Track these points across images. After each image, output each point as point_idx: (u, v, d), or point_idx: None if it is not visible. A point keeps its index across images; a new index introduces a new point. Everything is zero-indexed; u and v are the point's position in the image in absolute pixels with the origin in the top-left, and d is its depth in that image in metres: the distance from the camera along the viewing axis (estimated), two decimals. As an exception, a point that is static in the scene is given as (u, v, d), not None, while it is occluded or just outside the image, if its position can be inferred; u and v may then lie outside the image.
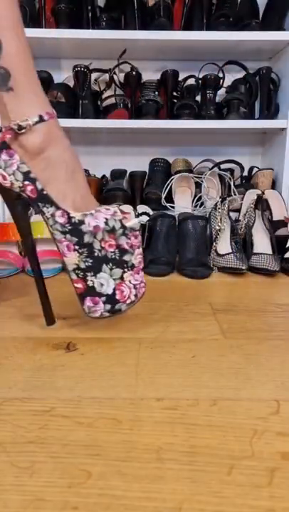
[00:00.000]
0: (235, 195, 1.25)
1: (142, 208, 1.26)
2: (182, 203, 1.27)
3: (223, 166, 1.37)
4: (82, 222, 0.56)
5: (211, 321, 0.68)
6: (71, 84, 1.32)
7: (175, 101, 1.35)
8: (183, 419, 0.42)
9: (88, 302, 0.59)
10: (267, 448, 0.38)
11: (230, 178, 1.29)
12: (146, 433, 0.40)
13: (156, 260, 0.97)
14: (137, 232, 0.60)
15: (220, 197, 1.22)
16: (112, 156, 1.50)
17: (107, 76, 1.34)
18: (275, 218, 1.15)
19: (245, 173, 1.44)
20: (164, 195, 1.27)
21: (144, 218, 0.59)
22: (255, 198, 1.09)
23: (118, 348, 0.58)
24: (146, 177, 1.43)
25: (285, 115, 1.30)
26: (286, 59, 1.30)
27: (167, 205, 1.26)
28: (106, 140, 1.50)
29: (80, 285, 0.58)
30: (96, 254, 0.57)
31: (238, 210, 1.22)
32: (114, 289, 0.59)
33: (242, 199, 1.23)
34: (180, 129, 1.32)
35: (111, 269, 0.58)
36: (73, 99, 1.30)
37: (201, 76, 1.33)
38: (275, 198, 1.21)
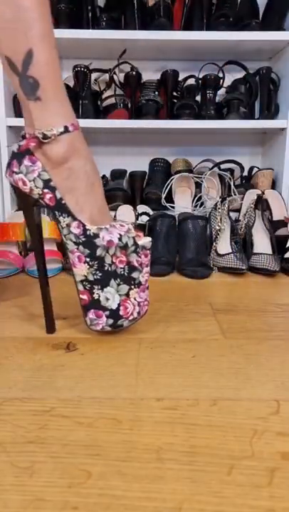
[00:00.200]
0: (235, 195, 1.25)
1: (142, 208, 1.26)
2: (182, 203, 1.27)
3: (223, 166, 1.37)
4: (96, 235, 0.56)
5: (211, 321, 0.68)
6: (71, 84, 1.32)
7: (175, 101, 1.35)
8: (183, 419, 0.42)
9: (91, 314, 0.59)
10: (267, 448, 0.38)
11: (230, 178, 1.29)
12: (146, 433, 0.40)
13: (156, 260, 0.97)
14: (148, 251, 0.60)
15: (220, 197, 1.22)
16: (112, 156, 1.50)
17: (107, 76, 1.34)
18: (275, 218, 1.15)
19: (245, 173, 1.44)
20: (164, 195, 1.27)
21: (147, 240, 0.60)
22: (255, 198, 1.09)
23: (118, 348, 0.58)
24: (146, 177, 1.43)
25: (285, 115, 1.30)
26: (286, 59, 1.30)
27: (167, 205, 1.26)
28: (106, 140, 1.50)
29: (85, 297, 0.59)
30: (106, 268, 0.58)
31: (238, 210, 1.22)
32: (119, 305, 0.59)
33: (242, 199, 1.23)
34: (180, 129, 1.32)
35: (118, 284, 0.59)
36: (73, 99, 1.30)
37: (201, 76, 1.33)
38: (275, 198, 1.21)
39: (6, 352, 0.57)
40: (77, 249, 0.57)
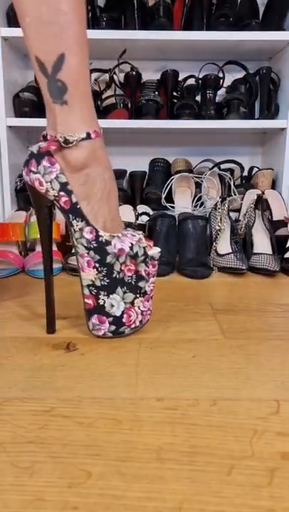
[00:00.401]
0: (235, 195, 1.25)
1: (141, 208, 1.26)
2: (182, 203, 1.27)
3: (223, 166, 1.37)
4: (108, 242, 0.57)
5: (211, 321, 0.68)
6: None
7: (175, 101, 1.35)
8: (183, 419, 0.42)
9: (94, 319, 0.59)
10: (267, 448, 0.38)
11: (230, 178, 1.29)
12: (146, 433, 0.40)
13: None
14: (156, 262, 0.61)
15: (220, 197, 1.22)
16: (112, 156, 1.48)
17: (107, 76, 1.34)
18: (275, 218, 1.15)
19: (245, 173, 1.44)
20: (164, 195, 1.27)
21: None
22: (255, 198, 1.09)
23: (118, 348, 0.58)
24: (146, 177, 1.43)
25: (285, 115, 1.30)
26: (286, 59, 1.30)
27: (167, 205, 1.26)
28: (106, 140, 1.49)
29: (90, 301, 0.59)
30: (114, 275, 0.58)
31: (238, 210, 1.22)
32: (123, 312, 0.59)
33: (242, 199, 1.23)
34: (180, 129, 1.32)
35: (125, 292, 0.59)
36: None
37: (201, 76, 1.33)
38: (275, 198, 1.21)
39: (6, 352, 0.57)
40: (88, 254, 0.57)
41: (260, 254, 0.97)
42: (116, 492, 0.33)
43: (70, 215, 0.56)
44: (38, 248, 0.98)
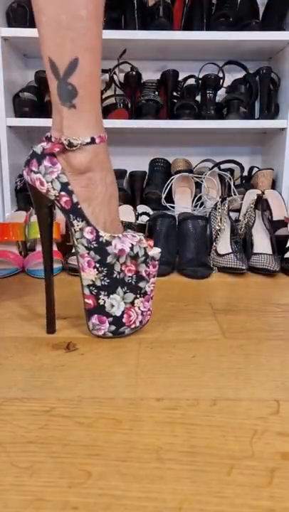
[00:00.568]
0: (235, 195, 1.25)
1: (141, 208, 1.26)
2: (182, 203, 1.27)
3: (223, 166, 1.37)
4: (109, 243, 0.57)
5: (211, 321, 0.68)
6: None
7: (175, 101, 1.35)
8: (183, 419, 0.42)
9: (94, 319, 0.59)
10: (267, 448, 0.38)
11: (230, 178, 1.29)
12: (146, 433, 0.40)
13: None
14: (156, 262, 0.61)
15: (220, 197, 1.22)
16: (112, 156, 1.48)
17: (107, 76, 1.34)
18: (275, 218, 1.15)
19: (245, 173, 1.44)
20: (164, 195, 1.27)
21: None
22: (255, 198, 1.09)
23: (118, 348, 0.58)
24: (146, 177, 1.43)
25: (285, 115, 1.30)
26: (286, 59, 1.30)
27: (167, 205, 1.26)
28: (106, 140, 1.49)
29: (90, 301, 0.59)
30: (114, 275, 0.58)
31: (238, 210, 1.22)
32: (123, 312, 0.59)
33: (242, 199, 1.23)
34: (180, 129, 1.32)
35: (125, 292, 0.59)
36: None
37: (201, 76, 1.33)
38: (275, 198, 1.21)
39: (6, 352, 0.57)
40: (88, 254, 0.57)
41: (260, 254, 0.97)
42: (116, 492, 0.33)
43: (71, 215, 0.56)
44: (38, 248, 0.98)
